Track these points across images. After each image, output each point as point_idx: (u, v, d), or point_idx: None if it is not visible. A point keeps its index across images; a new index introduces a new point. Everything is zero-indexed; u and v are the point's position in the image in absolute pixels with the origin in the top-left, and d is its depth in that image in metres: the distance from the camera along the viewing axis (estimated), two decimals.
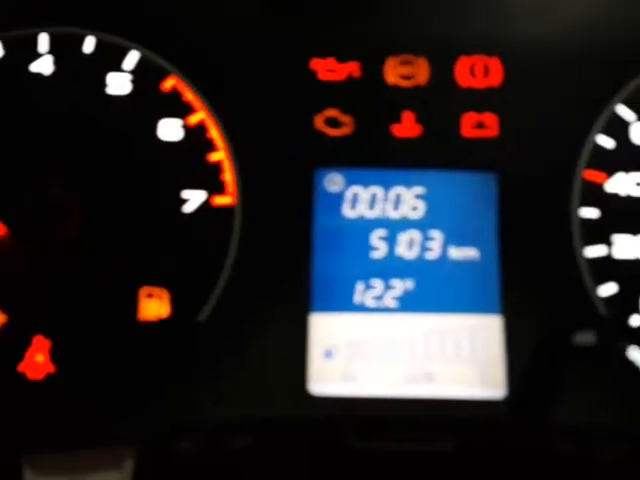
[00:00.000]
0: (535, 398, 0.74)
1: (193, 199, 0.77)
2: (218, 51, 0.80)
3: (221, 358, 0.75)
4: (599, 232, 0.77)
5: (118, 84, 0.80)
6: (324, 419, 0.74)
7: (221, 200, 0.77)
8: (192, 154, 0.78)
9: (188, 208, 0.77)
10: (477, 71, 0.80)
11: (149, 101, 0.79)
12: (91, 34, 0.81)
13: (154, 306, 0.76)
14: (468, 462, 0.76)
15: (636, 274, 0.76)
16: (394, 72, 0.80)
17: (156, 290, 0.76)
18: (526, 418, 0.74)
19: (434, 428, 0.75)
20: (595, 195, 0.77)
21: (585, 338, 0.73)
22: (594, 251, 0.76)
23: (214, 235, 0.76)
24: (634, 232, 0.77)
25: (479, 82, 0.79)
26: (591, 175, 0.78)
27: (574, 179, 0.78)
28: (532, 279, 0.76)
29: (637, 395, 0.74)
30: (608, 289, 0.76)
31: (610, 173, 0.78)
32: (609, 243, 0.77)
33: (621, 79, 0.79)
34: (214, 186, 0.77)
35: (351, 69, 0.80)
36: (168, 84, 0.79)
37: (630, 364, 0.74)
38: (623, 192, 0.77)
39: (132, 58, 0.80)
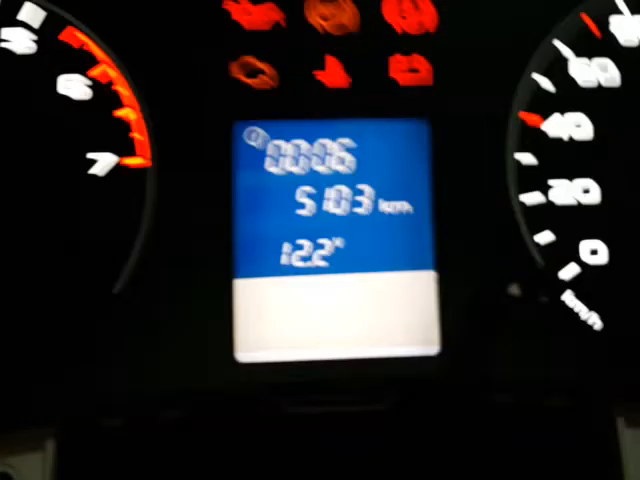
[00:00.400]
0: (469, 353, 0.70)
1: (101, 161, 0.69)
2: None
3: (141, 330, 0.70)
4: (535, 177, 0.72)
5: (13, 38, 0.70)
6: (254, 387, 0.69)
7: (131, 161, 0.69)
8: (97, 112, 0.70)
9: (96, 171, 0.69)
10: (406, 10, 0.71)
11: (48, 55, 0.71)
12: None
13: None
14: (406, 420, 0.72)
15: (573, 221, 0.71)
16: (316, 13, 0.71)
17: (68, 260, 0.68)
18: (461, 373, 0.70)
19: (369, 388, 0.71)
20: (531, 138, 0.72)
21: (513, 290, 0.68)
22: (530, 198, 0.71)
23: (126, 199, 0.70)
24: (571, 177, 0.71)
25: (408, 23, 0.72)
26: (527, 117, 0.71)
27: (509, 122, 0.71)
28: (467, 231, 0.72)
29: (571, 344, 0.71)
30: (545, 237, 0.71)
31: (547, 114, 0.72)
32: (546, 189, 0.71)
33: (556, 15, 0.72)
34: (123, 146, 0.70)
35: (268, 11, 0.71)
36: (68, 36, 0.70)
37: (566, 313, 0.70)
38: (561, 134, 0.71)
39: (27, 9, 0.70)
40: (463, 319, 0.71)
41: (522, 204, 0.72)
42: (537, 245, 0.71)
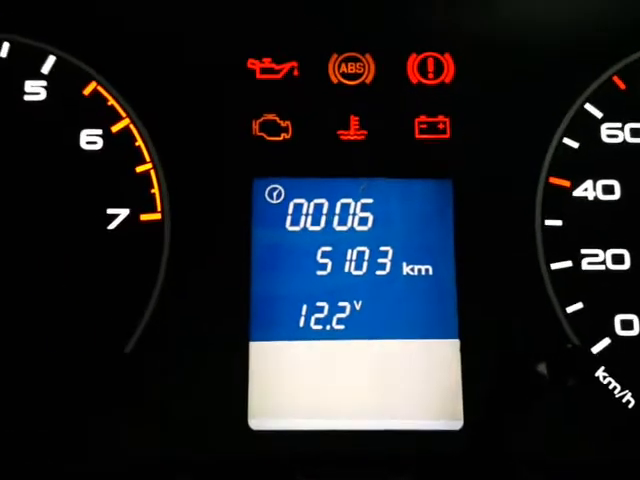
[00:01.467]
0: (495, 430, 0.63)
1: (119, 216, 0.64)
2: (142, 52, 0.68)
3: (151, 393, 0.64)
4: (565, 244, 0.65)
5: (36, 91, 0.67)
6: (266, 456, 0.63)
7: (149, 217, 0.64)
8: (116, 166, 0.65)
9: (112, 227, 0.64)
10: (429, 69, 0.67)
11: (69, 109, 0.67)
12: (6, 39, 0.68)
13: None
14: None
15: (605, 291, 0.64)
16: (339, 71, 0.67)
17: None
18: (486, 452, 0.62)
19: (387, 463, 0.64)
20: (561, 203, 0.66)
21: (542, 369, 0.61)
22: (560, 265, 0.64)
23: (141, 255, 0.66)
24: (604, 245, 0.64)
25: (430, 81, 0.67)
26: (558, 182, 0.65)
27: (538, 185, 0.65)
28: (492, 298, 0.66)
29: (605, 424, 0.63)
30: (576, 307, 0.64)
31: (579, 180, 0.66)
32: (577, 257, 0.64)
33: (586, 75, 0.68)
34: (141, 202, 0.65)
35: (291, 69, 0.67)
36: (89, 90, 0.66)
37: (600, 391, 0.63)
38: (592, 200, 0.65)
39: (50, 63, 0.67)
40: (489, 393, 0.64)
41: (552, 272, 0.65)
42: (567, 315, 0.64)
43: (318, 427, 0.64)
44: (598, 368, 0.65)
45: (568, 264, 0.66)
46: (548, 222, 0.67)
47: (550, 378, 0.61)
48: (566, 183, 0.67)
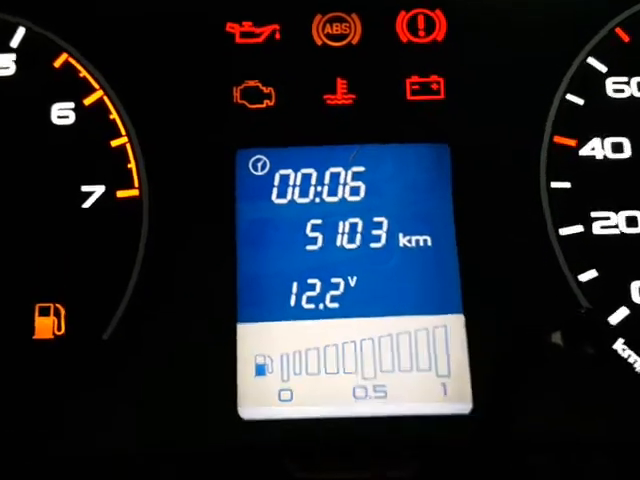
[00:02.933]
0: (506, 410, 0.56)
1: (94, 194, 0.57)
2: (114, 20, 0.63)
3: (132, 381, 0.57)
4: (574, 207, 0.59)
5: (5, 65, 0.62)
6: (259, 448, 0.56)
7: (126, 193, 0.58)
8: (90, 141, 0.60)
9: (87, 204, 0.57)
10: (419, 27, 0.60)
11: (40, 82, 0.62)
12: None
13: (50, 323, 0.57)
14: None
15: (619, 257, 0.56)
16: (323, 33, 0.60)
17: (52, 305, 0.57)
18: (497, 434, 0.56)
19: (391, 451, 0.57)
20: (567, 164, 0.59)
21: (557, 339, 0.53)
22: (570, 230, 0.57)
23: (118, 234, 0.59)
24: (615, 207, 0.57)
25: (421, 40, 0.60)
26: (563, 141, 0.58)
27: (542, 146, 0.59)
28: (498, 268, 0.59)
29: (631, 404, 0.56)
30: (588, 275, 0.57)
31: (585, 138, 0.60)
32: (587, 221, 0.58)
33: (588, 28, 0.62)
34: (117, 177, 0.60)
35: (273, 33, 0.60)
36: (60, 62, 0.60)
37: (618, 364, 0.55)
38: (601, 159, 0.58)
39: (19, 36, 0.62)
40: (499, 371, 0.57)
41: (561, 238, 0.57)
42: (580, 284, 0.56)
43: (313, 415, 0.57)
44: (616, 340, 0.57)
45: (578, 229, 0.59)
46: (554, 184, 0.60)
47: (566, 347, 0.53)
48: (572, 142, 0.60)
